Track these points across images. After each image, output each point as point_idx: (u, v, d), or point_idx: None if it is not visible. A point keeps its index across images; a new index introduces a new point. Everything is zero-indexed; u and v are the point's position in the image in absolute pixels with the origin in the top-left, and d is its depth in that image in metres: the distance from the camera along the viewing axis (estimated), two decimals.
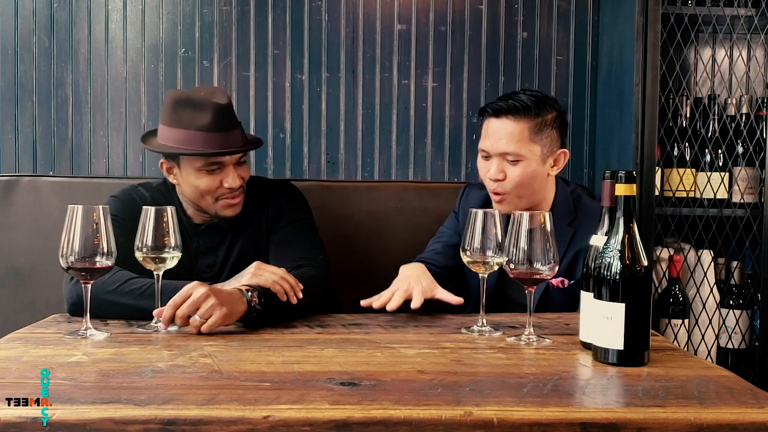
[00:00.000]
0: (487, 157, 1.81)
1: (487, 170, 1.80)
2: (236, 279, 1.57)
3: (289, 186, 1.92)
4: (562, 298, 1.77)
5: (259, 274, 1.53)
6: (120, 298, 1.49)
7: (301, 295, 1.52)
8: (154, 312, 1.40)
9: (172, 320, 1.38)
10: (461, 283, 1.97)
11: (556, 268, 1.33)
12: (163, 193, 1.82)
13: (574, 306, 1.73)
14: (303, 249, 1.75)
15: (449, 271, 1.88)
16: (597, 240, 1.30)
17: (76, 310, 1.50)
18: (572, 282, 1.77)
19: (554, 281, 1.76)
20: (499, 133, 1.76)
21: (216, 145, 1.67)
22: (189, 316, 1.37)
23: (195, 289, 1.37)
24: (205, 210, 1.76)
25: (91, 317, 1.37)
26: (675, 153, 2.17)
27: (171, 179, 1.77)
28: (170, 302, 1.37)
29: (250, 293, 1.43)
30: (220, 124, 1.68)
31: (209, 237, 1.82)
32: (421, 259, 1.90)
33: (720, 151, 2.17)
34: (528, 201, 1.80)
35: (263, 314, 1.44)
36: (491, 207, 1.83)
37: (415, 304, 1.56)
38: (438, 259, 1.88)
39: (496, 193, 1.80)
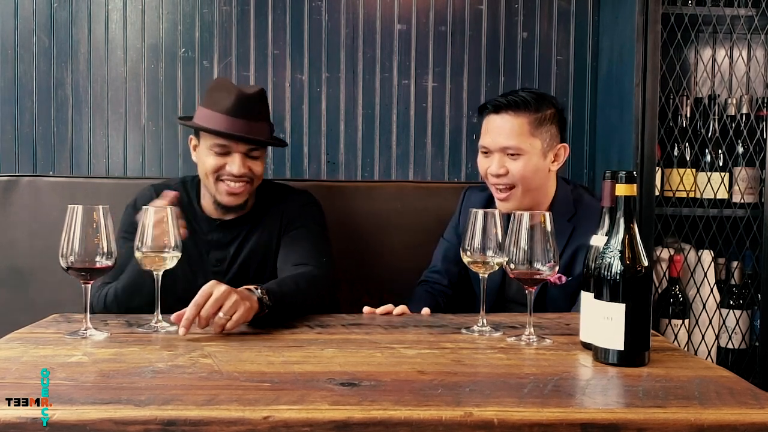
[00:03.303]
0: (488, 154, 1.82)
1: (488, 167, 1.81)
2: None
3: (308, 194, 1.96)
4: (559, 295, 1.78)
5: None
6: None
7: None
8: (172, 317, 1.36)
9: (192, 322, 1.33)
10: (465, 283, 1.97)
11: (557, 268, 1.33)
12: (180, 189, 1.83)
13: (571, 302, 1.73)
14: (309, 250, 1.77)
15: (453, 287, 1.96)
16: (597, 240, 1.30)
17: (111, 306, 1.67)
18: (570, 279, 1.77)
19: (552, 278, 1.77)
20: (500, 129, 1.78)
21: (229, 128, 1.74)
22: (213, 316, 1.34)
23: (216, 288, 1.34)
24: (210, 192, 1.82)
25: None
26: (675, 153, 2.17)
27: (193, 157, 1.86)
28: (193, 302, 1.33)
29: (259, 291, 1.43)
30: (240, 111, 1.74)
31: (222, 233, 1.85)
32: (427, 278, 1.98)
33: (720, 151, 2.17)
34: (532, 197, 1.81)
35: (273, 312, 1.44)
36: (493, 208, 1.84)
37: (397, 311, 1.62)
38: (441, 281, 1.96)
39: (500, 190, 1.81)
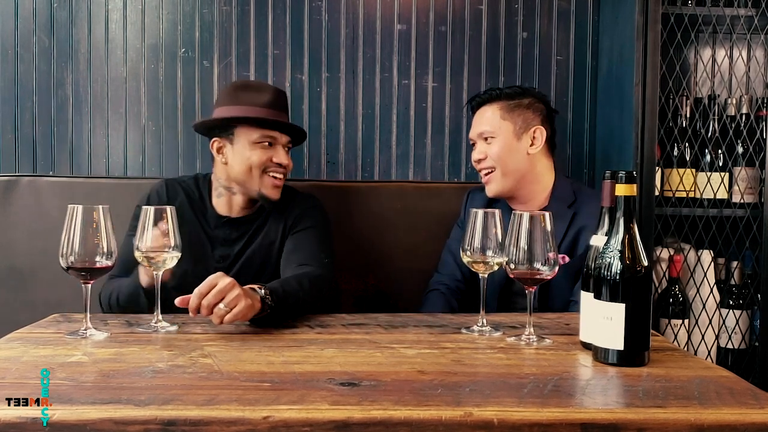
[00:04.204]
0: (474, 145, 2.00)
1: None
2: None
3: (313, 197, 1.98)
4: (563, 276, 1.80)
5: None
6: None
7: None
8: (177, 301, 1.37)
9: (197, 310, 1.35)
10: (474, 280, 1.99)
11: (557, 268, 1.33)
12: (193, 185, 1.92)
13: (574, 282, 1.78)
14: (313, 251, 1.79)
15: (468, 282, 2.01)
16: (597, 240, 1.30)
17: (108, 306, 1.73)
18: (572, 259, 1.82)
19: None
20: (478, 120, 1.98)
21: (277, 120, 1.82)
22: (214, 306, 1.34)
23: (220, 279, 1.36)
24: (248, 188, 1.84)
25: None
26: (675, 153, 2.17)
27: (218, 159, 1.86)
28: (196, 291, 1.34)
29: (263, 290, 1.43)
30: (277, 104, 1.85)
31: (229, 230, 1.88)
32: (436, 284, 2.01)
33: (720, 151, 2.17)
34: (514, 179, 1.93)
35: (275, 312, 1.44)
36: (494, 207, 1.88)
37: None
38: (457, 275, 2.02)
39: (484, 175, 1.96)
